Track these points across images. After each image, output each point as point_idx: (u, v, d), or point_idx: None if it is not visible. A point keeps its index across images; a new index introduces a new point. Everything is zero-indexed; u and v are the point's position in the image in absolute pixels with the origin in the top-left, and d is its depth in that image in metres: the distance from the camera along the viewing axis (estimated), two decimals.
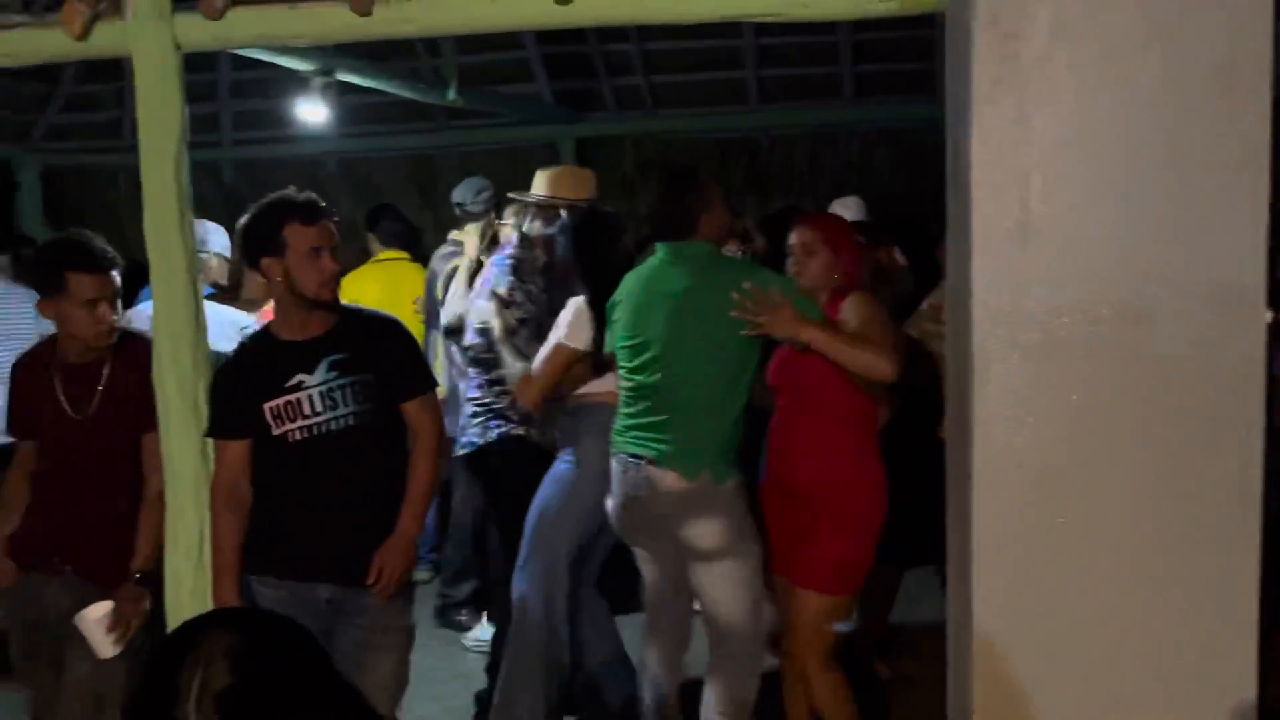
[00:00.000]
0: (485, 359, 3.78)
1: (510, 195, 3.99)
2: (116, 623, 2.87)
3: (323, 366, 2.76)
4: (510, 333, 3.70)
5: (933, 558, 3.80)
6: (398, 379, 2.86)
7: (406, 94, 5.56)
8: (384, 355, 2.85)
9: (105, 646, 2.87)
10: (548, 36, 6.23)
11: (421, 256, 5.17)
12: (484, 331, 3.79)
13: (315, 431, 2.75)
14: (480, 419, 3.77)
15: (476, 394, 3.80)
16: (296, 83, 5.83)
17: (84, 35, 2.75)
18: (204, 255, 3.74)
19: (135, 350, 2.92)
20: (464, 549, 4.80)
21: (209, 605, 2.73)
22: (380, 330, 2.92)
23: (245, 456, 2.78)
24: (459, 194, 4.93)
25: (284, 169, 7.14)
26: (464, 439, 3.83)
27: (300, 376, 2.75)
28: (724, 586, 3.06)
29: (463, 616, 4.75)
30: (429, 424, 2.90)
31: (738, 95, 6.88)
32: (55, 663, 2.96)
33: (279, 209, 2.77)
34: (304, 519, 2.76)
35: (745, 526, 3.07)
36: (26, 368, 3.07)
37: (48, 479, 3.02)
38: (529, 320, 3.73)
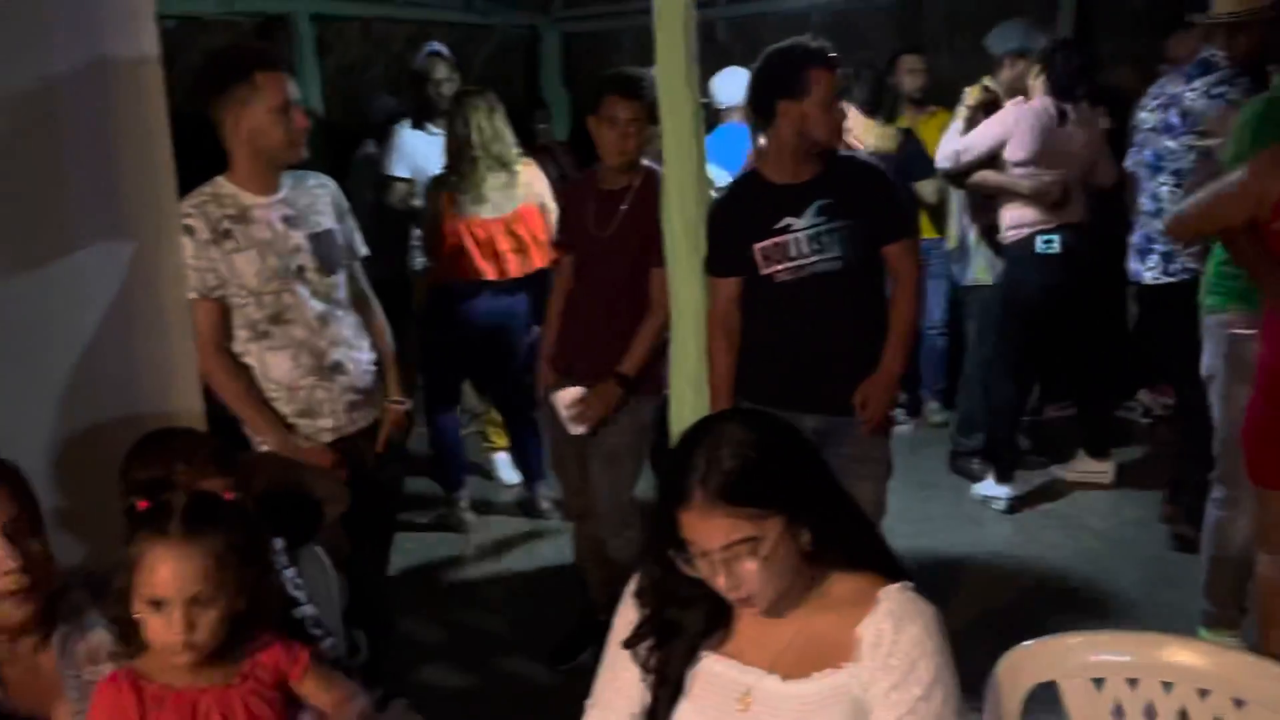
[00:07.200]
0: None
1: (1193, 18, 3.92)
2: (582, 409, 3.27)
3: (811, 210, 2.92)
4: None
5: None
6: (881, 224, 2.97)
7: None
8: (868, 201, 2.96)
9: (570, 425, 3.30)
10: None
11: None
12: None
13: (802, 273, 2.93)
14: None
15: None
16: None
17: None
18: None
19: (655, 185, 3.18)
20: (974, 399, 4.89)
21: None
22: (865, 176, 3.03)
23: (737, 292, 3.02)
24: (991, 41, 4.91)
25: (771, 25, 7.33)
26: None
27: (789, 219, 2.93)
28: None
29: (974, 465, 4.87)
30: (909, 267, 3.01)
31: None
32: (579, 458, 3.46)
33: (804, 53, 2.87)
34: (793, 355, 2.98)
35: None
36: (571, 191, 3.53)
37: (577, 292, 3.47)
38: None
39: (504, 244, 4.33)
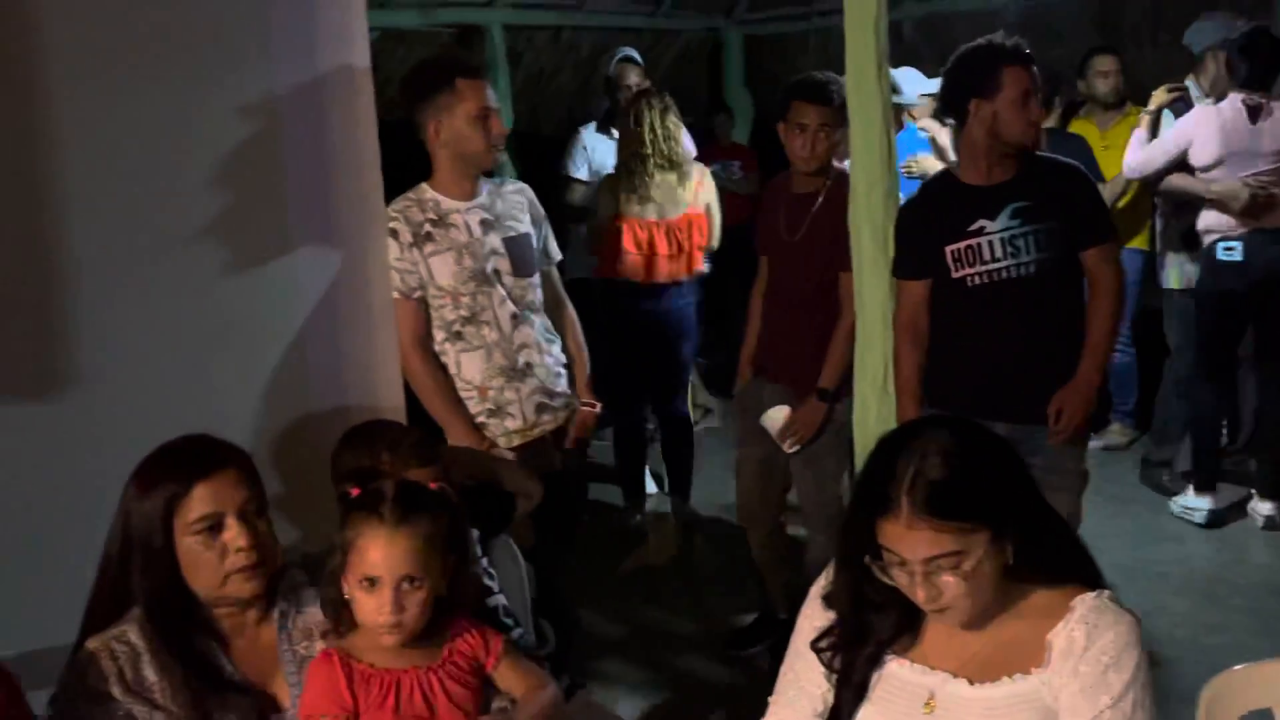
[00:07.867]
0: None
1: None
2: (789, 430, 3.30)
3: (1005, 213, 2.84)
4: None
5: None
6: (1079, 227, 2.87)
7: None
8: (1066, 203, 2.87)
9: (785, 447, 3.34)
10: None
11: None
12: None
13: (995, 277, 2.86)
14: None
15: None
16: None
17: None
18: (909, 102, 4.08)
19: (844, 188, 3.17)
20: (1170, 410, 4.71)
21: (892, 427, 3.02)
22: (1064, 177, 2.93)
23: (925, 295, 2.97)
24: (1189, 37, 4.68)
25: (961, 23, 7.15)
26: None
27: (982, 222, 2.87)
28: None
29: (1165, 478, 4.68)
30: (1109, 273, 2.89)
31: None
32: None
33: (997, 51, 2.82)
34: (983, 360, 2.91)
35: None
36: (766, 195, 3.58)
37: (771, 295, 3.51)
38: None
39: (662, 248, 4.34)
